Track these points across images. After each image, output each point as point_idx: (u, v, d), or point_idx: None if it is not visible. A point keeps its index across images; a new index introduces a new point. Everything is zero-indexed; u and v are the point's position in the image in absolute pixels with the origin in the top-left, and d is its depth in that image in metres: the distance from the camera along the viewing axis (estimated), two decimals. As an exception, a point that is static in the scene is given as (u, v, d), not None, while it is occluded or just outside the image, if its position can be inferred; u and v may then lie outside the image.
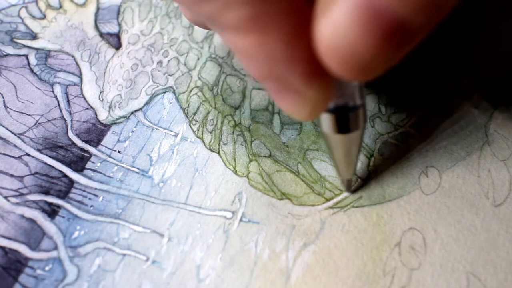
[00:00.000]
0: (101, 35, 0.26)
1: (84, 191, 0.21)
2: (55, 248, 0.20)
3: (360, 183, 0.20)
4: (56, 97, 0.24)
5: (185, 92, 0.24)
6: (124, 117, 0.23)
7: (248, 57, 0.12)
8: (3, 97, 0.24)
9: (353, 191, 0.20)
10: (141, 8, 0.27)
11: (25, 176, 0.21)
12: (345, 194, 0.20)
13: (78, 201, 0.21)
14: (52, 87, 0.24)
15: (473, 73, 0.22)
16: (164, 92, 0.24)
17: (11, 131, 0.23)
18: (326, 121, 0.15)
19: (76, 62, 0.25)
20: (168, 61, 0.25)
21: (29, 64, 0.25)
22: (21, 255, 0.20)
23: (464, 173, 0.20)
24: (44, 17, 0.27)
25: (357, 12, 0.10)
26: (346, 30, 0.10)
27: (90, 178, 0.21)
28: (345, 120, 0.15)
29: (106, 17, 0.27)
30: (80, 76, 0.24)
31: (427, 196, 0.20)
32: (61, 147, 0.22)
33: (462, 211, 0.19)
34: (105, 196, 0.21)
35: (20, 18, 0.27)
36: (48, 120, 0.23)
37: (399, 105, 0.22)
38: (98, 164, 0.22)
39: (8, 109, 0.23)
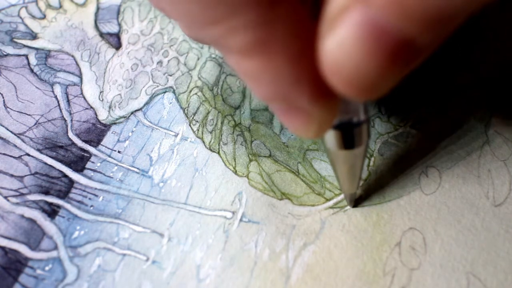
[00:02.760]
0: (101, 35, 0.26)
1: (84, 191, 0.21)
2: (55, 248, 0.20)
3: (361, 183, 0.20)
4: (56, 97, 0.24)
5: (185, 92, 0.24)
6: (124, 117, 0.23)
7: (254, 79, 0.12)
8: (3, 97, 0.24)
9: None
10: (141, 8, 0.27)
11: (25, 176, 0.21)
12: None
13: (78, 201, 0.21)
14: (52, 87, 0.24)
15: (473, 73, 0.22)
16: (164, 92, 0.24)
17: (11, 131, 0.23)
18: (330, 137, 0.15)
19: (76, 62, 0.25)
20: (168, 61, 0.25)
21: (29, 64, 0.25)
22: (21, 255, 0.20)
23: (464, 173, 0.20)
24: (44, 17, 0.27)
25: (361, 32, 0.10)
26: (351, 50, 0.10)
27: (90, 178, 0.21)
28: (350, 136, 0.15)
29: (106, 17, 0.27)
30: (80, 76, 0.24)
31: (427, 196, 0.20)
32: (61, 147, 0.22)
33: (462, 211, 0.19)
34: (105, 196, 0.21)
35: (20, 18, 0.27)
36: (48, 120, 0.23)
37: (399, 105, 0.22)
38: (98, 164, 0.22)
39: (8, 109, 0.23)
